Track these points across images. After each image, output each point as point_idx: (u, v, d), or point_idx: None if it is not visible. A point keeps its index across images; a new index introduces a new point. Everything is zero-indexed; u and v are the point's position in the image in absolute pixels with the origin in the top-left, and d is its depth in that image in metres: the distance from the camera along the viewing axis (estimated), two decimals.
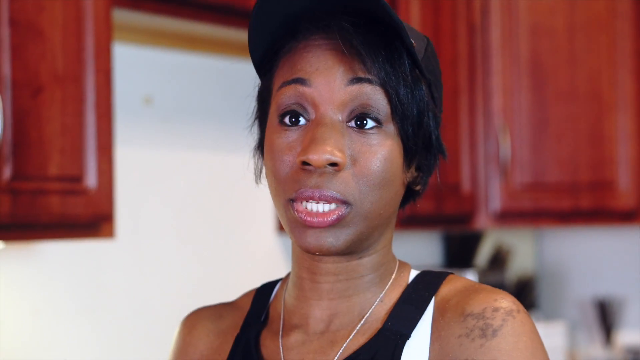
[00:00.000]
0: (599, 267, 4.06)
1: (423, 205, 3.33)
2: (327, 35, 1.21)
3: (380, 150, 1.19)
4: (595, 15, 3.48)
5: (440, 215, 3.27)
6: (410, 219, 3.08)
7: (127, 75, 2.70)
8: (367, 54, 1.18)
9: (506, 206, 3.44)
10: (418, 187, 1.28)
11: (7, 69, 1.96)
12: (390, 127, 1.20)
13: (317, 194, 1.16)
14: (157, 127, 2.86)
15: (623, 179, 3.44)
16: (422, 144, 1.24)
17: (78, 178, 2.10)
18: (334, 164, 1.16)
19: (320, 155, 1.15)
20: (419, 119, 1.22)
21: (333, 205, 1.17)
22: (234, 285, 2.91)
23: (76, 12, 2.10)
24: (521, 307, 1.19)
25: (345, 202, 1.17)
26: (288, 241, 3.19)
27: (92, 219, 2.14)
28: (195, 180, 2.98)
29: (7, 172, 1.95)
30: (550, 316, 4.10)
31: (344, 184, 1.17)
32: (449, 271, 1.30)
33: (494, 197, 3.44)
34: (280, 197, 1.21)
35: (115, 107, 2.34)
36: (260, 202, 3.14)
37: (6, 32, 1.96)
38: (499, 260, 3.94)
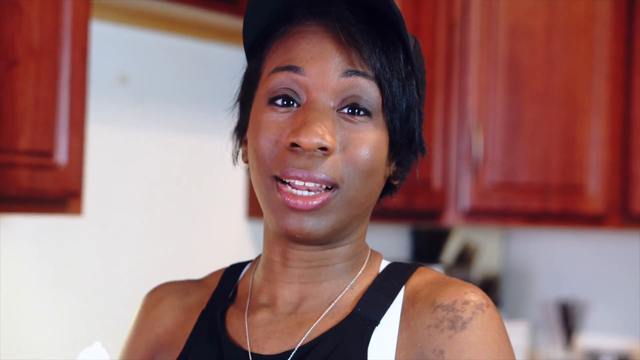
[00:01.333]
0: (564, 270, 4.08)
1: (394, 199, 3.34)
2: (322, 21, 1.21)
3: (370, 139, 1.19)
4: (574, 19, 3.49)
5: (410, 210, 3.28)
6: (380, 212, 3.06)
7: (104, 54, 2.69)
8: (365, 44, 1.19)
9: (476, 204, 3.45)
10: (397, 182, 1.29)
11: None
12: (380, 119, 1.21)
13: (305, 175, 1.17)
14: (131, 107, 2.85)
15: (592, 183, 3.46)
16: (406, 139, 1.25)
17: (48, 153, 2.10)
18: (323, 149, 1.17)
19: (311, 139, 1.15)
20: (407, 113, 1.23)
21: (319, 191, 1.17)
22: (200, 267, 2.90)
23: None
24: (490, 302, 1.20)
25: (333, 185, 1.18)
26: (257, 227, 3.19)
27: (60, 195, 2.14)
28: (166, 161, 2.97)
29: None
30: (513, 316, 4.13)
31: (333, 167, 1.18)
32: (419, 263, 1.31)
33: (464, 195, 3.45)
34: (264, 175, 1.20)
35: (90, 85, 2.33)
36: (231, 186, 3.14)
37: None
38: (465, 257, 3.96)
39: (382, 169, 1.23)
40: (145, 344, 1.37)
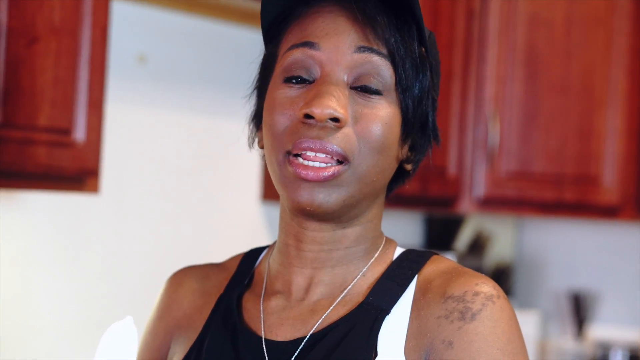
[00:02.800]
0: (577, 260, 4.08)
1: (408, 185, 3.33)
2: (339, 2, 1.23)
3: (382, 115, 1.20)
4: (594, 10, 3.48)
5: (424, 197, 3.29)
6: (394, 198, 3.08)
7: (123, 33, 2.70)
8: (379, 21, 1.20)
9: (490, 193, 3.45)
10: (409, 166, 1.29)
11: (3, 17, 1.96)
12: (393, 97, 1.22)
13: (317, 145, 1.18)
14: (149, 87, 2.86)
15: (608, 175, 3.46)
16: (419, 122, 1.26)
17: (67, 131, 2.11)
18: (335, 120, 1.18)
19: (324, 109, 1.16)
20: (419, 94, 1.24)
21: (330, 163, 1.18)
22: (214, 249, 2.93)
23: None
24: (502, 293, 1.20)
25: (344, 158, 1.19)
26: (271, 211, 3.20)
27: (77, 173, 2.15)
28: (183, 142, 2.98)
29: None
30: (525, 305, 4.13)
31: (345, 140, 1.18)
32: (434, 251, 1.31)
33: (479, 183, 3.45)
34: (277, 151, 1.21)
35: (109, 64, 2.34)
36: (246, 169, 3.15)
37: None
38: (478, 245, 3.96)
39: (394, 148, 1.23)
40: (165, 327, 1.39)
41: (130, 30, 2.77)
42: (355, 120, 1.19)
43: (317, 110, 1.16)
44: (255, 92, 1.32)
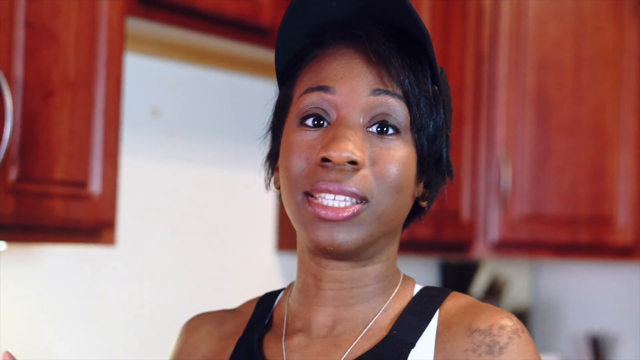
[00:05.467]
0: (594, 302, 4.06)
1: (422, 230, 3.33)
2: (352, 44, 1.24)
3: (399, 155, 1.22)
4: (602, 51, 3.50)
5: (439, 242, 3.28)
6: (408, 243, 3.08)
7: (136, 86, 2.71)
8: (393, 63, 1.21)
9: (504, 236, 3.44)
10: (424, 203, 1.30)
11: (19, 71, 1.97)
12: (408, 137, 1.23)
13: (335, 188, 1.19)
14: (163, 139, 2.87)
15: (622, 215, 3.45)
16: (433, 160, 1.27)
17: (83, 183, 2.11)
18: (353, 163, 1.19)
19: (341, 153, 1.17)
20: (434, 132, 1.25)
21: (349, 202, 1.19)
22: (230, 299, 2.90)
23: (91, 18, 2.11)
24: (524, 328, 1.22)
25: (362, 199, 1.20)
26: (286, 260, 3.20)
27: (94, 225, 2.15)
28: (197, 194, 2.98)
29: (13, 173, 1.96)
30: (544, 350, 4.10)
31: (363, 181, 1.19)
32: (451, 289, 1.32)
33: (493, 227, 3.44)
34: (295, 193, 1.22)
35: (123, 117, 2.35)
36: (261, 219, 3.15)
37: (21, 34, 1.97)
38: (494, 290, 3.94)
39: (411, 187, 1.25)
40: None
41: (144, 83, 2.79)
42: (373, 162, 1.20)
43: (334, 154, 1.18)
44: (270, 133, 1.33)
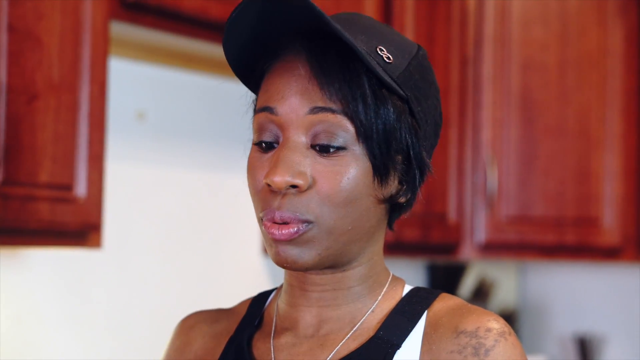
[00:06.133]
0: (581, 303, 4.08)
1: (409, 232, 3.34)
2: (296, 57, 1.23)
3: (343, 171, 1.20)
4: (586, 53, 3.52)
5: (426, 244, 3.29)
6: (395, 245, 3.10)
7: (121, 90, 2.72)
8: (324, 80, 1.20)
9: (491, 238, 3.46)
10: (402, 200, 1.27)
11: (3, 75, 1.98)
12: (357, 148, 1.21)
13: (277, 216, 1.20)
14: (149, 143, 2.88)
15: (608, 216, 3.47)
16: (400, 160, 1.24)
17: (68, 186, 2.12)
18: (294, 186, 1.19)
19: (281, 178, 1.18)
20: (385, 137, 1.21)
21: (296, 222, 1.20)
22: (217, 304, 2.91)
23: (74, 22, 2.12)
24: (512, 331, 1.22)
25: (305, 221, 1.20)
26: (273, 264, 3.20)
27: (80, 228, 2.16)
28: (184, 197, 2.99)
29: None
30: (531, 351, 4.11)
31: (305, 204, 1.20)
32: (441, 290, 1.32)
33: (480, 229, 3.46)
34: (256, 214, 1.25)
35: (108, 121, 2.36)
36: (247, 223, 3.15)
37: (4, 38, 1.98)
38: (482, 292, 3.96)
39: (367, 195, 1.22)
40: None
41: (129, 87, 2.79)
42: (315, 181, 1.20)
43: (275, 179, 1.18)
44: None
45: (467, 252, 3.46)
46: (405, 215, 1.33)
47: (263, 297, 1.41)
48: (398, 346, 1.23)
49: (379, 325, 1.26)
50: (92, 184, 2.16)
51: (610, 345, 3.97)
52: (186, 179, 2.99)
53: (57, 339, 2.63)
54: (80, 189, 2.14)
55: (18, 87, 2.00)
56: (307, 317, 1.29)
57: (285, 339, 1.30)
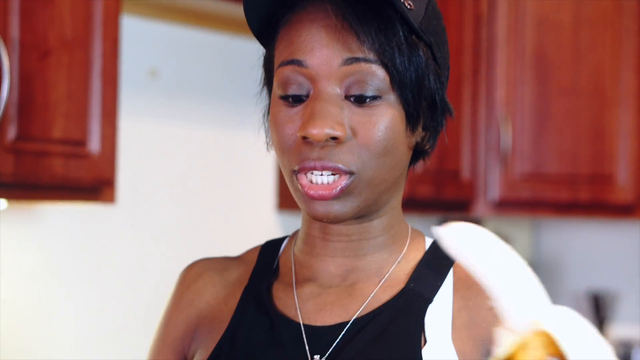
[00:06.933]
0: (595, 260, 4.09)
1: (422, 189, 3.34)
2: (320, 7, 1.21)
3: (380, 120, 1.19)
4: (601, 12, 3.50)
5: (439, 201, 3.31)
6: (409, 202, 3.10)
7: (135, 48, 2.74)
8: (360, 29, 1.18)
9: (505, 195, 3.47)
10: (427, 147, 1.28)
11: (15, 32, 2.00)
12: (391, 97, 1.20)
13: (319, 165, 1.18)
14: (162, 100, 2.90)
15: (622, 173, 3.47)
16: (426, 106, 1.24)
17: (81, 142, 2.15)
18: (334, 138, 1.17)
19: (320, 130, 1.16)
20: (418, 84, 1.22)
21: (336, 176, 1.18)
22: None
23: None
24: None
25: (348, 172, 1.19)
26: (287, 219, 3.23)
27: (93, 183, 2.18)
28: (197, 154, 3.02)
29: (12, 132, 2.00)
30: None
31: (346, 154, 1.18)
32: None
33: (493, 186, 3.47)
34: (286, 168, 1.22)
35: (121, 79, 2.38)
36: (261, 179, 3.18)
37: None
38: None
39: (402, 144, 1.22)
40: (186, 318, 1.37)
41: (142, 45, 2.81)
42: (354, 132, 1.19)
43: (313, 132, 1.16)
44: (265, 89, 1.31)
45: (480, 209, 3.47)
46: (425, 162, 1.32)
47: (273, 245, 1.38)
48: (430, 300, 1.23)
49: (407, 277, 1.26)
50: (105, 140, 2.19)
51: (623, 301, 3.99)
52: (200, 136, 3.01)
53: (71, 293, 2.66)
54: (94, 144, 2.17)
55: (30, 44, 2.03)
56: (331, 267, 1.28)
57: (309, 289, 1.28)
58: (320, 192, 1.18)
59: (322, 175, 1.19)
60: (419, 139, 1.26)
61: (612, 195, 3.48)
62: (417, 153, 1.29)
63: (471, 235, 0.94)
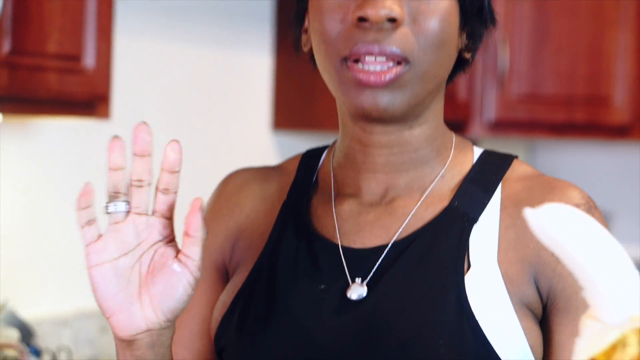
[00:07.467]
0: (590, 181, 4.09)
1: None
2: None
3: (439, 10, 1.14)
4: None
5: None
6: None
7: None
8: None
9: (501, 116, 3.46)
10: (468, 55, 1.23)
11: None
12: None
13: (376, 49, 1.12)
14: (159, 18, 2.88)
15: (619, 95, 3.46)
16: (476, 7, 1.20)
17: (76, 57, 2.14)
18: (392, 20, 1.11)
19: (379, 10, 1.10)
20: None
21: (391, 64, 1.12)
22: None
23: None
24: (595, 204, 1.17)
25: (404, 59, 1.13)
26: (282, 139, 3.23)
27: (88, 98, 2.18)
28: (193, 72, 3.00)
29: (6, 46, 1.99)
30: None
31: (404, 40, 1.12)
32: (514, 155, 1.26)
33: (489, 107, 3.46)
34: (333, 58, 1.15)
35: None
36: (257, 99, 3.17)
37: None
38: None
39: (454, 40, 1.18)
40: (225, 229, 1.31)
41: None
42: (413, 18, 1.13)
43: (371, 12, 1.10)
44: None
45: (476, 130, 3.47)
46: (465, 71, 1.27)
47: (314, 156, 1.31)
48: (475, 220, 1.17)
49: (452, 193, 1.20)
50: (100, 56, 2.18)
51: (617, 222, 4.01)
52: (196, 54, 3.00)
53: (65, 208, 2.66)
54: (89, 60, 2.16)
55: None
56: (372, 184, 1.21)
57: (349, 206, 1.22)
58: (373, 78, 1.12)
59: (375, 61, 1.12)
60: (462, 46, 1.21)
61: (608, 117, 3.48)
62: (457, 64, 1.23)
63: (569, 221, 0.89)
